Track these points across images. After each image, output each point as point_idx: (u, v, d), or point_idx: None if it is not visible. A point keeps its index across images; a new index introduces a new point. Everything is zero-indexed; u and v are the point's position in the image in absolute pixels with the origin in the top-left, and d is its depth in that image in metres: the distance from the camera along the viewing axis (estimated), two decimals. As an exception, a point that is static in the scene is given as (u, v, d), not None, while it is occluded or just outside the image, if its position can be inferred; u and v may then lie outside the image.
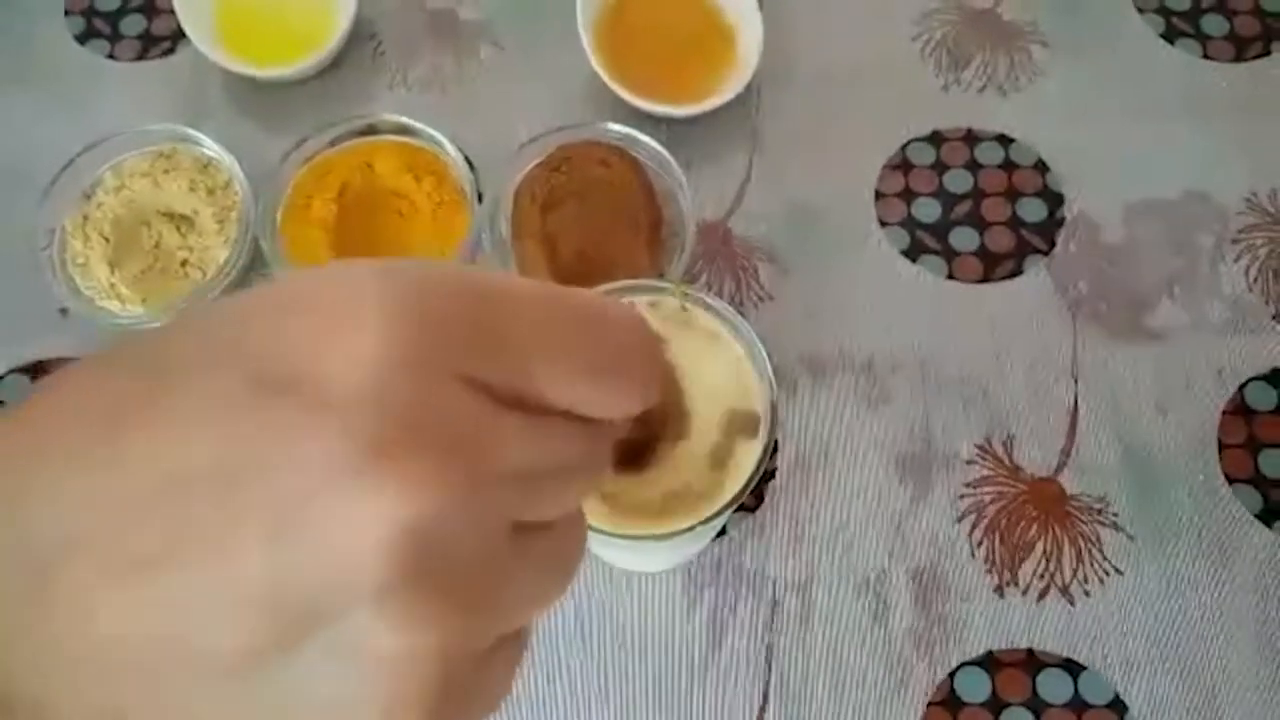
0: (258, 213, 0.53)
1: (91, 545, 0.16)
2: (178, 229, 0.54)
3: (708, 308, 0.40)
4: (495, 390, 0.17)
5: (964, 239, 0.55)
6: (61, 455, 0.17)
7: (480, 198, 0.53)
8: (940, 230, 0.55)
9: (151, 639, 0.16)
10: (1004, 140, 0.57)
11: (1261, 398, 0.51)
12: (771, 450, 0.38)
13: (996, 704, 0.46)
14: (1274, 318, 0.53)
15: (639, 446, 0.36)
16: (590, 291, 0.21)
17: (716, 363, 0.40)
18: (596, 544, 0.38)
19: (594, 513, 0.36)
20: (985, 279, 0.54)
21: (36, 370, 0.54)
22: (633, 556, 0.46)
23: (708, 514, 0.36)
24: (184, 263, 0.53)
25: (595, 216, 0.52)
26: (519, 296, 0.18)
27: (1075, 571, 0.48)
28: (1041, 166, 0.57)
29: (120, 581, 0.16)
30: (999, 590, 0.48)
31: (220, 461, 0.16)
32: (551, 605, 0.20)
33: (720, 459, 0.38)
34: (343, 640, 0.16)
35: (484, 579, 0.17)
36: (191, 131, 0.55)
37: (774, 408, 0.38)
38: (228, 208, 0.54)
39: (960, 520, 0.49)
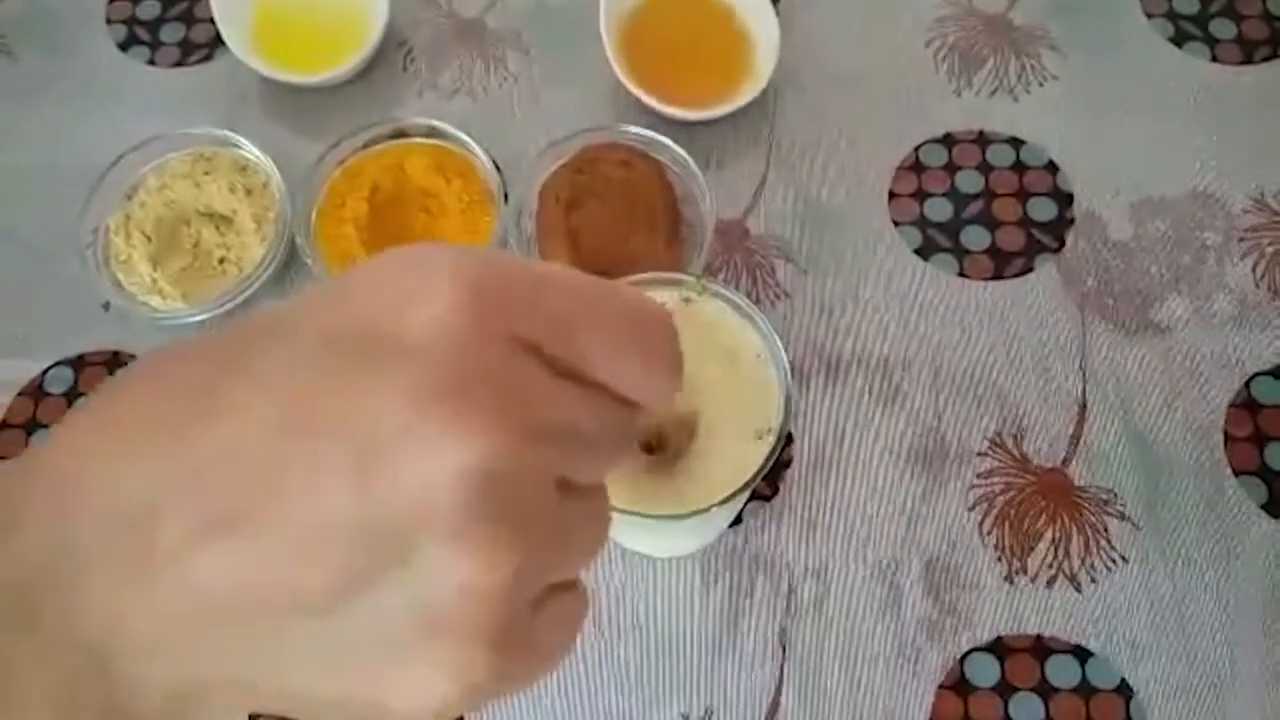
0: (294, 212, 0.55)
1: (185, 503, 0.18)
2: (217, 228, 0.56)
3: (727, 301, 0.42)
4: (546, 357, 0.19)
5: (976, 238, 0.56)
6: (156, 421, 0.18)
7: (506, 197, 0.55)
8: (952, 229, 0.57)
9: (244, 586, 0.18)
10: (1015, 142, 0.59)
11: (1268, 391, 0.52)
12: (787, 439, 0.39)
13: (1006, 688, 0.47)
14: (1280, 314, 0.54)
15: (654, 447, 0.38)
16: (628, 285, 0.23)
17: (733, 359, 0.41)
18: (615, 528, 0.40)
19: (614, 495, 0.37)
20: (996, 276, 0.55)
21: (80, 363, 0.56)
22: (651, 540, 0.47)
23: (723, 495, 0.37)
24: (222, 260, 0.55)
25: (617, 216, 0.54)
26: (569, 279, 0.20)
27: (1083, 560, 0.49)
28: (1051, 167, 0.58)
29: (214, 535, 0.18)
30: (1009, 578, 0.49)
31: (304, 411, 0.18)
32: (586, 565, 0.21)
33: (735, 445, 0.39)
34: (420, 571, 0.17)
35: (541, 520, 0.19)
36: (231, 135, 0.57)
37: (789, 400, 0.40)
38: (266, 207, 0.56)
39: (971, 510, 0.51)
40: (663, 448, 0.40)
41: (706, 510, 0.37)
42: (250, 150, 0.57)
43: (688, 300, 0.42)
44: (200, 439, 0.18)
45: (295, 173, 0.56)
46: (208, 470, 0.18)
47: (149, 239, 0.55)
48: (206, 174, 0.57)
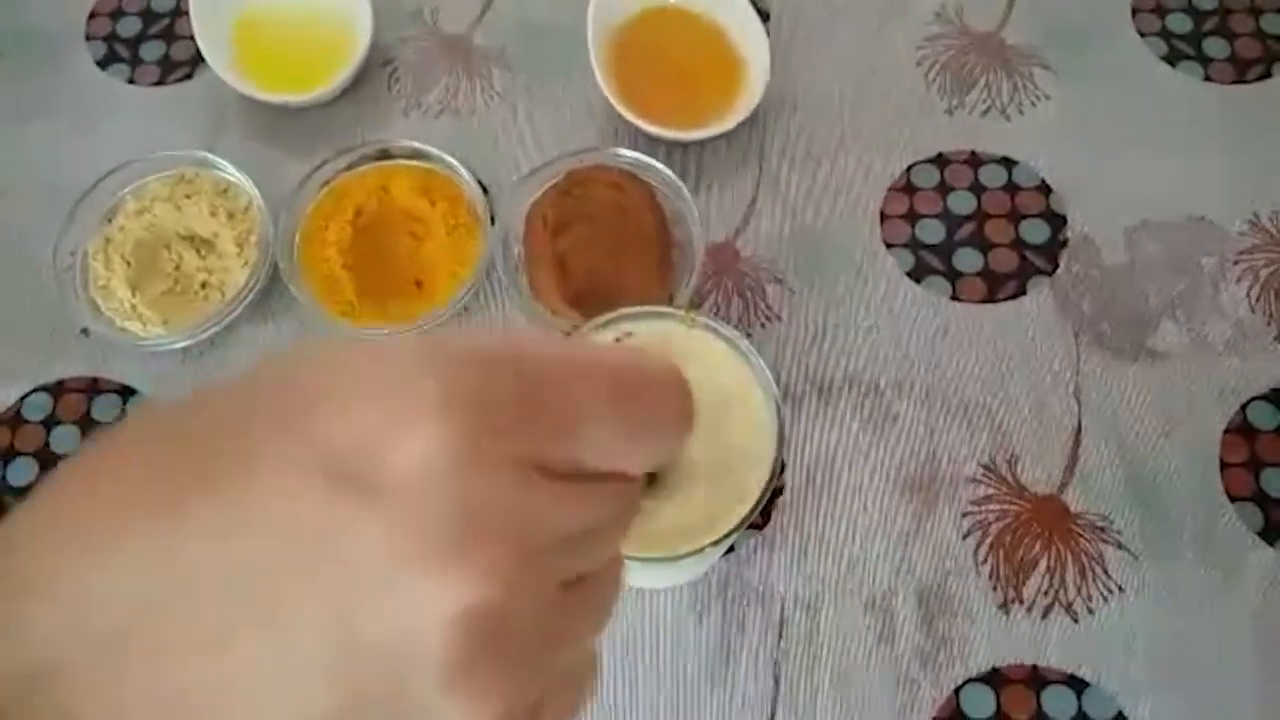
0: (276, 235, 0.54)
1: (163, 616, 0.17)
2: (198, 251, 0.55)
3: (716, 333, 0.41)
4: (549, 468, 0.19)
5: (968, 260, 0.56)
6: (129, 523, 0.17)
7: (493, 220, 0.55)
8: (944, 251, 0.56)
9: (217, 708, 0.17)
10: (1007, 162, 0.58)
11: (1264, 417, 0.52)
12: (779, 470, 0.39)
13: (1001, 720, 0.46)
14: (1276, 338, 0.54)
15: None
16: (626, 348, 0.23)
17: (725, 390, 0.40)
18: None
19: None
20: (989, 299, 0.55)
21: (58, 389, 0.55)
22: (641, 574, 0.46)
23: (714, 537, 0.37)
24: (204, 284, 0.54)
25: (605, 238, 0.53)
26: (563, 363, 0.19)
27: (1079, 589, 0.49)
28: (1044, 188, 0.57)
29: (190, 653, 0.17)
30: (1004, 607, 0.48)
31: (291, 544, 0.17)
32: (596, 636, 0.21)
33: (727, 481, 0.38)
34: (412, 713, 0.17)
35: (539, 642, 0.19)
36: (211, 156, 0.56)
37: (781, 428, 0.39)
38: (247, 231, 0.55)
39: (965, 538, 0.50)
40: (654, 484, 0.39)
41: (699, 552, 0.36)
42: (231, 172, 0.56)
43: (690, 325, 0.41)
44: (186, 551, 0.17)
45: (278, 195, 0.55)
46: (189, 584, 0.17)
47: (128, 263, 0.54)
48: (187, 196, 0.56)
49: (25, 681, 0.17)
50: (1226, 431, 0.51)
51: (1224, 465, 0.51)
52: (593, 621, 0.21)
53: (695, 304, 0.54)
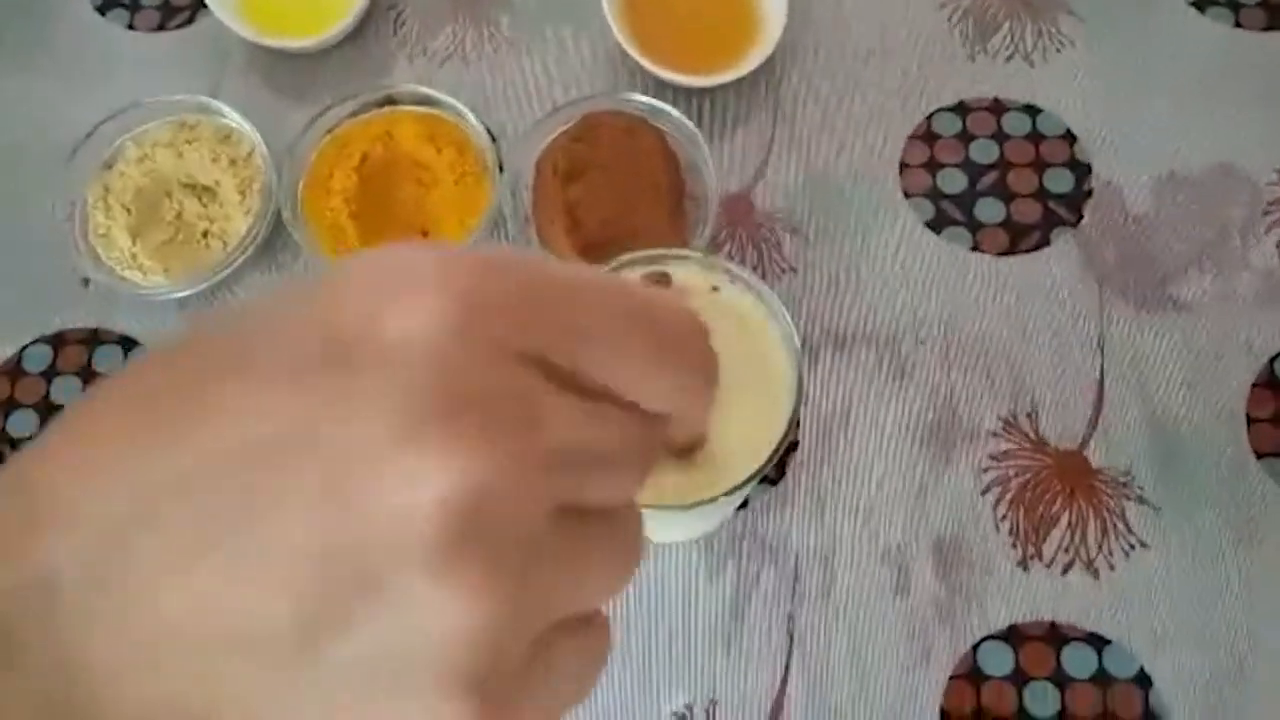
0: (279, 183, 0.53)
1: (159, 521, 0.16)
2: (199, 199, 0.54)
3: (734, 277, 0.40)
4: (551, 369, 0.17)
5: (990, 210, 0.54)
6: (126, 444, 0.17)
7: (501, 168, 0.53)
8: (966, 202, 0.55)
9: (209, 616, 0.16)
10: (1031, 110, 0.57)
11: (1292, 371, 0.50)
12: (795, 423, 0.37)
13: (1020, 677, 0.46)
14: (1305, 291, 0.52)
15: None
16: (641, 282, 0.21)
17: (743, 340, 0.39)
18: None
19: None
20: (1011, 251, 0.53)
21: (58, 341, 0.54)
22: (654, 526, 0.45)
23: (730, 485, 0.35)
24: (205, 233, 0.53)
25: (618, 187, 0.52)
26: (575, 279, 0.18)
27: (1100, 545, 0.48)
28: (1069, 137, 0.56)
29: (184, 561, 0.16)
30: (1023, 563, 0.48)
31: (283, 426, 0.16)
32: (611, 595, 0.19)
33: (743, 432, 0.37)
34: (392, 606, 0.16)
35: (532, 554, 0.17)
36: (214, 102, 0.55)
37: (800, 383, 0.38)
38: (249, 178, 0.54)
39: (985, 493, 0.49)
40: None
41: (712, 500, 0.35)
42: (234, 118, 0.55)
43: (715, 289, 0.40)
44: (180, 451, 0.17)
45: (281, 142, 0.54)
46: (185, 486, 0.16)
47: (128, 211, 0.53)
48: (189, 143, 0.55)
49: (35, 598, 0.17)
50: (1254, 386, 0.50)
51: (1250, 420, 0.50)
52: (606, 569, 0.19)
53: (711, 252, 0.53)
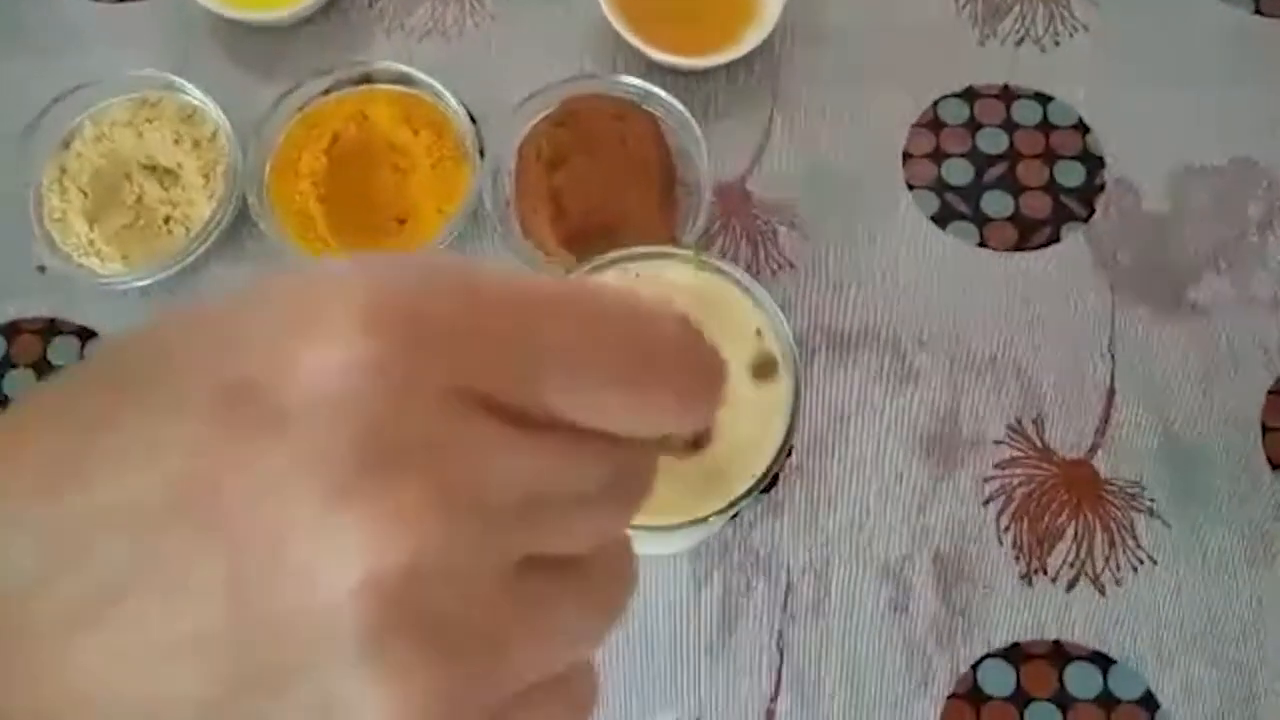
0: (245, 166, 0.50)
1: (57, 582, 0.14)
2: (160, 183, 0.51)
3: (725, 276, 0.37)
4: (499, 406, 0.15)
5: (997, 204, 0.52)
6: (30, 483, 0.15)
7: (482, 153, 0.50)
8: (972, 194, 0.52)
9: (118, 690, 0.14)
10: (1042, 99, 0.54)
11: (1310, 378, 0.48)
12: (792, 431, 0.35)
13: (1022, 698, 0.44)
14: (1326, 293, 0.50)
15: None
16: (621, 287, 0.19)
17: (737, 343, 0.37)
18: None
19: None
20: (1019, 247, 0.51)
21: (12, 330, 0.51)
22: (638, 541, 0.43)
23: (720, 505, 0.33)
24: (167, 219, 0.50)
25: (605, 174, 0.49)
26: (532, 295, 0.16)
27: (1107, 559, 0.46)
28: (1081, 127, 0.53)
29: (85, 623, 0.14)
30: (1026, 578, 0.45)
31: (179, 486, 0.14)
32: (592, 647, 0.17)
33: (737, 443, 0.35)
34: (314, 705, 0.14)
35: (485, 623, 0.15)
36: (176, 79, 0.52)
37: (798, 388, 0.36)
38: (213, 160, 0.51)
39: (987, 504, 0.47)
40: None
41: (703, 521, 0.33)
42: (197, 95, 0.51)
43: (699, 268, 0.37)
44: (79, 506, 0.14)
45: (247, 122, 0.51)
46: (83, 538, 0.14)
47: (85, 194, 0.50)
48: (149, 121, 0.51)
49: None
50: (1271, 393, 0.48)
51: (1266, 429, 0.47)
52: (581, 623, 0.17)
53: (703, 247, 0.50)
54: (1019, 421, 0.48)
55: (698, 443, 0.32)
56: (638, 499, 0.17)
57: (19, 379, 0.50)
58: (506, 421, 0.15)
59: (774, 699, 0.44)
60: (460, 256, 0.16)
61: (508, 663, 0.15)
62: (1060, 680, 0.44)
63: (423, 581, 0.14)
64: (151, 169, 0.51)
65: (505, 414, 0.15)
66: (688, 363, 0.17)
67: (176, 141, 0.51)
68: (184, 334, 0.15)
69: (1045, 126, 0.53)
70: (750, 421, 0.36)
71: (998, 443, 0.48)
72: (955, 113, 0.54)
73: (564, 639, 0.16)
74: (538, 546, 0.15)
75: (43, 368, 0.50)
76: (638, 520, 0.33)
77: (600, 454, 0.16)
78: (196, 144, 0.51)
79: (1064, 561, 0.46)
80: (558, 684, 0.17)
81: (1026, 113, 0.54)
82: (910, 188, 0.52)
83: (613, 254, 0.36)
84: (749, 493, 0.33)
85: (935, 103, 0.54)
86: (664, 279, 0.36)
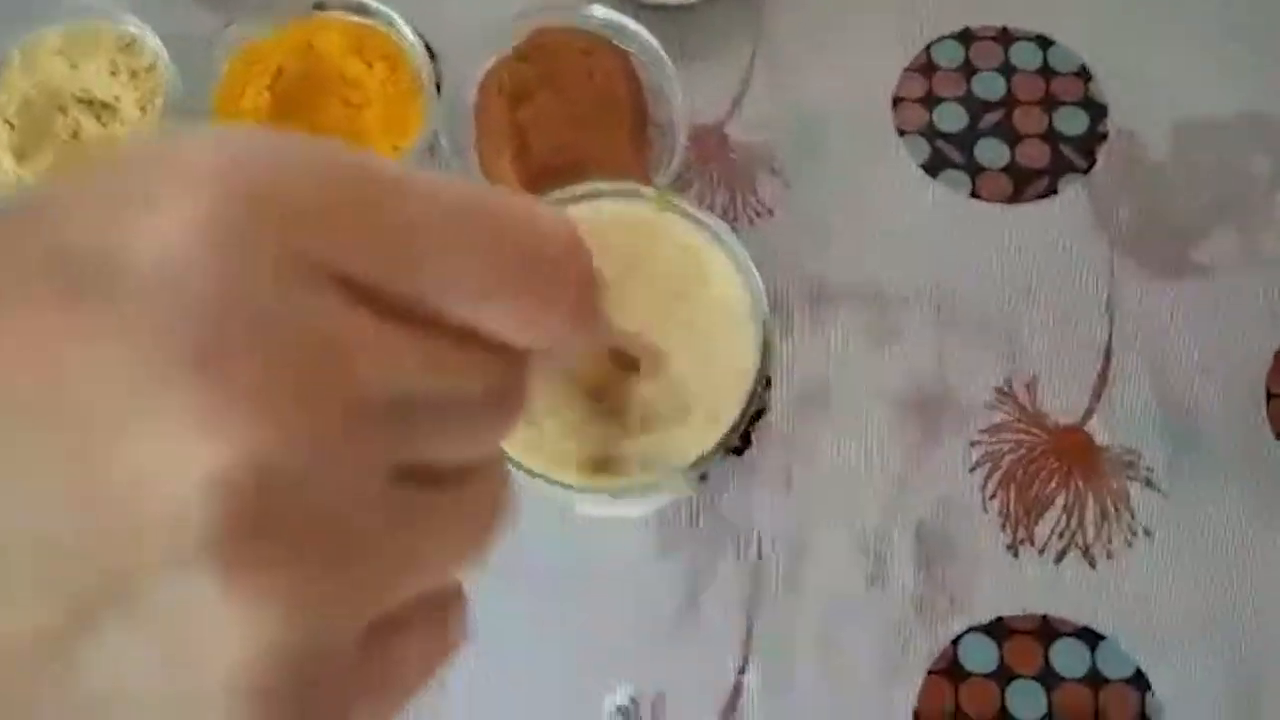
0: (186, 100, 0.47)
1: None
2: (98, 117, 0.47)
3: (694, 220, 0.34)
4: (370, 293, 0.13)
5: (992, 153, 0.49)
6: None
7: (439, 88, 0.47)
8: (965, 142, 0.49)
9: None
10: (1043, 42, 0.51)
11: (1319, 343, 0.45)
12: (763, 388, 0.32)
13: (1004, 675, 0.41)
14: (1338, 253, 0.47)
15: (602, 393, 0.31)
16: (514, 192, 0.17)
17: (703, 294, 0.34)
18: (547, 489, 0.32)
19: (540, 454, 0.30)
20: (1014, 199, 0.48)
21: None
22: (594, 504, 0.40)
23: (682, 464, 0.30)
24: (102, 155, 0.47)
25: (572, 113, 0.46)
26: (404, 177, 0.14)
27: (1099, 531, 0.43)
28: (1084, 73, 0.50)
29: None
30: (1012, 549, 0.43)
31: (22, 379, 0.12)
32: (464, 568, 0.16)
33: (700, 399, 0.32)
34: (155, 621, 0.12)
35: (352, 535, 0.13)
36: (113, 5, 0.48)
37: (767, 340, 0.33)
38: (152, 92, 0.47)
39: (973, 471, 0.44)
40: (611, 393, 0.32)
41: (654, 486, 0.30)
42: (134, 23, 0.48)
43: (660, 209, 0.34)
44: None
45: (189, 53, 0.47)
46: None
47: (11, 126, 0.47)
48: (83, 52, 0.48)
49: None
50: (1277, 356, 0.45)
51: (1270, 396, 0.45)
52: (453, 543, 0.15)
53: (676, 192, 0.47)
54: (1009, 384, 0.45)
55: (628, 366, 0.30)
56: (517, 412, 0.16)
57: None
58: (379, 312, 0.13)
59: (741, 674, 0.42)
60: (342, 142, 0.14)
61: (375, 576, 0.14)
62: (1046, 657, 0.41)
63: (278, 478, 0.12)
64: (88, 103, 0.47)
65: (377, 304, 0.13)
66: (572, 271, 0.16)
67: (113, 73, 0.48)
68: (23, 204, 0.14)
69: (1045, 71, 0.50)
70: (715, 376, 0.33)
71: (986, 406, 0.45)
72: (950, 55, 0.50)
73: (438, 559, 0.15)
74: (410, 453, 0.14)
75: (-32, 313, 0.47)
76: (600, 483, 0.30)
77: (479, 358, 0.15)
78: (134, 75, 0.48)
79: (1053, 532, 0.43)
80: (429, 607, 0.16)
81: (1026, 56, 0.50)
82: (900, 134, 0.49)
83: (570, 189, 0.33)
84: (714, 451, 0.30)
85: (929, 45, 0.51)
86: (624, 219, 0.33)
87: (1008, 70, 0.50)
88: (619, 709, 0.41)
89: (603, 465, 0.31)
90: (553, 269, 0.15)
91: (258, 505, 0.12)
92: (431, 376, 0.14)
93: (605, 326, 0.17)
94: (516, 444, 0.30)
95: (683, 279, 0.33)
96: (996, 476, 0.44)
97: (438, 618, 0.16)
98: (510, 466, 0.29)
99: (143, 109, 0.47)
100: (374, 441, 0.13)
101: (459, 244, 0.14)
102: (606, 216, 0.33)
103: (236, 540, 0.12)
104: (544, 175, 0.44)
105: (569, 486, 0.30)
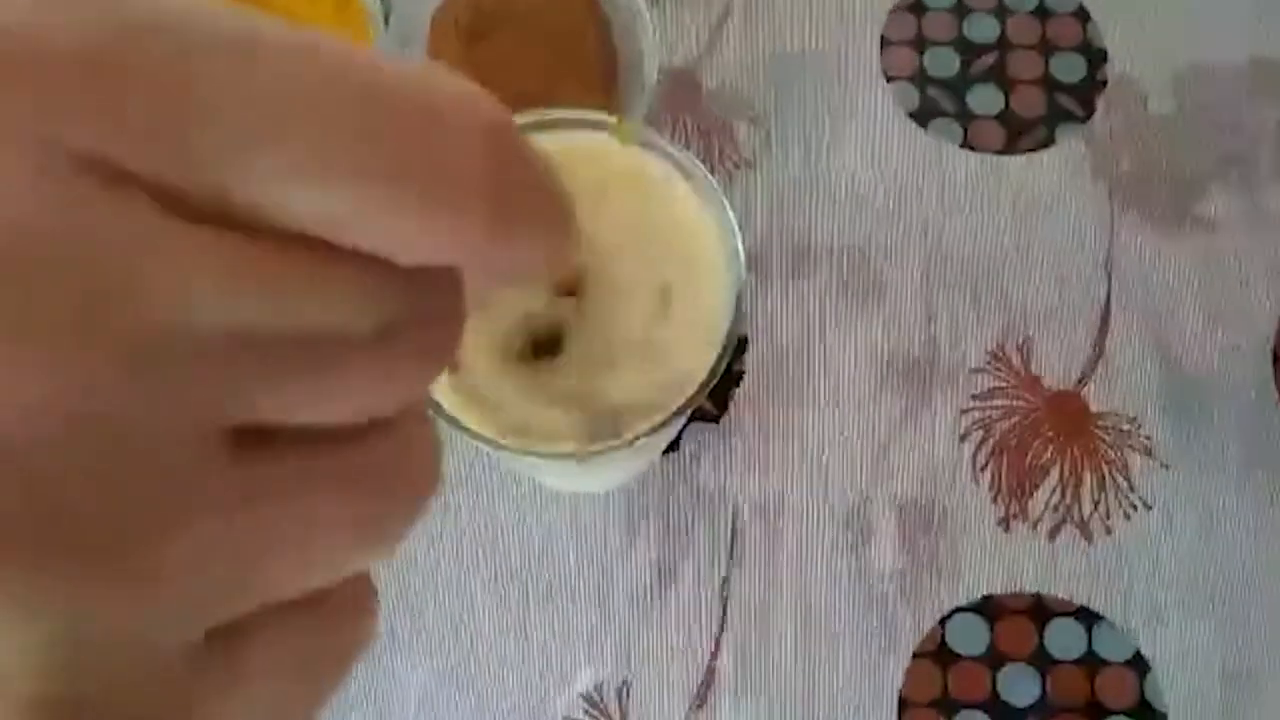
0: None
1: None
2: None
3: (662, 154, 0.30)
4: (182, 195, 0.10)
5: (985, 100, 0.46)
6: None
7: (388, 21, 0.43)
8: (957, 88, 0.46)
9: None
10: (1039, -19, 0.47)
11: (1329, 304, 0.43)
12: (737, 347, 0.29)
13: (996, 658, 0.39)
14: (1349, 209, 0.44)
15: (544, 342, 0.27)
16: (412, 64, 0.13)
17: (671, 238, 0.30)
18: (505, 459, 0.29)
19: (486, 417, 0.27)
20: (1008, 149, 0.45)
21: None
22: (555, 474, 0.37)
23: (647, 427, 0.27)
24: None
25: (536, 51, 0.42)
26: (247, 29, 0.10)
27: (1096, 504, 0.40)
28: (1082, 14, 0.47)
29: None
30: (1004, 523, 0.40)
31: None
32: (368, 558, 0.12)
33: (667, 358, 0.29)
34: None
35: (162, 513, 0.10)
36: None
37: (740, 296, 0.29)
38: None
39: (963, 439, 0.41)
40: (559, 342, 0.29)
41: (627, 445, 0.27)
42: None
43: (624, 140, 0.30)
44: None
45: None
46: None
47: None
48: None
49: None
50: (1285, 319, 0.43)
51: (1277, 359, 0.42)
52: (334, 523, 0.11)
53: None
54: (1001, 347, 0.42)
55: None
56: (435, 357, 0.12)
57: None
58: (199, 219, 0.10)
59: (714, 658, 0.39)
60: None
61: (202, 575, 0.10)
62: (1040, 638, 0.39)
63: (55, 444, 0.09)
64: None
65: (196, 210, 0.10)
66: (495, 179, 0.11)
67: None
68: None
69: (1041, 13, 0.47)
70: (685, 337, 0.29)
71: (977, 370, 0.42)
72: (940, -5, 0.47)
73: (313, 546, 0.11)
74: (261, 407, 0.10)
75: None
76: (558, 449, 0.27)
77: (379, 281, 0.11)
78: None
79: (1047, 505, 0.40)
80: (308, 611, 0.12)
81: (1021, -4, 0.47)
82: (887, 79, 0.46)
83: (527, 114, 0.30)
84: (679, 412, 0.27)
85: (918, -17, 0.47)
86: (588, 152, 0.30)
87: (1001, 12, 0.47)
88: (583, 696, 0.38)
89: (555, 429, 0.28)
90: (451, 152, 0.11)
91: (24, 488, 0.09)
92: (286, 302, 0.10)
93: (564, 246, 0.13)
94: (455, 399, 0.27)
95: (653, 221, 0.30)
96: (988, 446, 0.41)
97: (319, 622, 0.12)
98: (441, 422, 0.26)
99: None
100: (194, 389, 0.10)
101: (307, 125, 0.10)
102: (567, 148, 0.29)
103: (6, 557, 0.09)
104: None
105: (530, 453, 0.27)
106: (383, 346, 0.11)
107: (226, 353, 0.10)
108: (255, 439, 0.10)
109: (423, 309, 0.11)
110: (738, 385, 0.42)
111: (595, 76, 0.42)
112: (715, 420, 0.41)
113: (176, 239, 0.09)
